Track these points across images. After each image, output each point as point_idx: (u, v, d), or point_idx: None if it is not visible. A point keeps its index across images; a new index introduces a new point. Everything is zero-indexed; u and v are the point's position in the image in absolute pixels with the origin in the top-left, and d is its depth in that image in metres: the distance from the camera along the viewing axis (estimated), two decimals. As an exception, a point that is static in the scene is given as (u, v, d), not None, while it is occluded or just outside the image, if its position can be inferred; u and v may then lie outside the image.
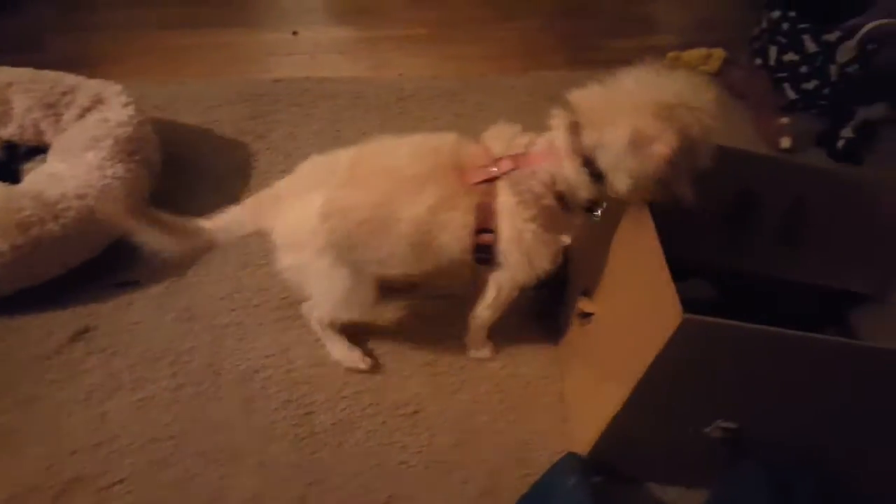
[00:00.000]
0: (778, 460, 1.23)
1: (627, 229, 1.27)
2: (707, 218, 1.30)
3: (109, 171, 1.61)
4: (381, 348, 1.57)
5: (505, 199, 1.25)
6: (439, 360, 1.58)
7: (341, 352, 1.53)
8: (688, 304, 1.00)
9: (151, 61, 2.41)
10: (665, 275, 1.06)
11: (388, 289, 1.59)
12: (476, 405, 1.51)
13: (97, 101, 1.77)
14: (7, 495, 1.30)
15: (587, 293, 1.44)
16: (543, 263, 1.31)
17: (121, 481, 1.32)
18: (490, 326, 1.52)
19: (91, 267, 1.62)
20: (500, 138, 1.29)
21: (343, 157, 1.30)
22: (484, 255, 1.30)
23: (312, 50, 2.54)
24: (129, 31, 2.52)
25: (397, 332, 1.62)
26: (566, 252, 1.60)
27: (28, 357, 1.49)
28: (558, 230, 1.30)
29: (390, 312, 1.65)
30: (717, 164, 1.15)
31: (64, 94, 1.77)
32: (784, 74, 2.66)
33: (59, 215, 1.51)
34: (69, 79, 1.81)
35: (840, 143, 2.46)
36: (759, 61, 2.76)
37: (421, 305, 1.68)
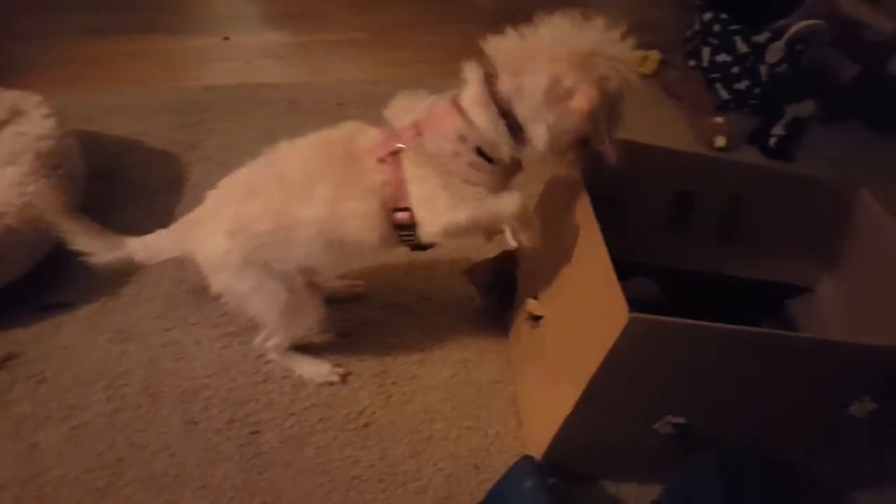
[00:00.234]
0: (727, 451, 1.24)
1: (573, 232, 1.25)
2: (648, 219, 1.32)
3: (31, 188, 1.51)
4: (329, 361, 1.51)
5: (411, 168, 1.17)
6: (389, 371, 1.53)
7: (310, 369, 1.48)
8: (633, 304, 1.00)
9: (74, 70, 2.30)
10: (611, 275, 1.06)
11: (331, 300, 1.55)
12: (429, 414, 1.48)
13: (15, 114, 1.67)
14: (-73, 539, 1.21)
15: (536, 296, 1.42)
16: (464, 212, 1.17)
17: (55, 516, 1.25)
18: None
19: (13, 290, 1.52)
20: (401, 111, 1.22)
21: (243, 171, 1.27)
22: (410, 235, 1.23)
23: (246, 56, 2.48)
24: (48, 39, 2.42)
25: (344, 344, 1.57)
26: (514, 256, 1.59)
27: (-54, 390, 1.40)
28: (489, 183, 1.18)
29: (336, 324, 1.60)
30: (655, 166, 1.15)
31: (-23, 106, 1.67)
32: (717, 75, 2.72)
33: (-25, 236, 1.41)
34: (-18, 90, 1.71)
35: (772, 141, 2.53)
36: (692, 62, 2.81)
37: (366, 314, 1.64)
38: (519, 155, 1.18)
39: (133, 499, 1.27)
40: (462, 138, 1.13)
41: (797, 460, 1.37)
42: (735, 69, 2.65)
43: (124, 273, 1.60)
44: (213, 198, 1.29)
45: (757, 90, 2.68)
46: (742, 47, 2.58)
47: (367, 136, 1.22)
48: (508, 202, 1.19)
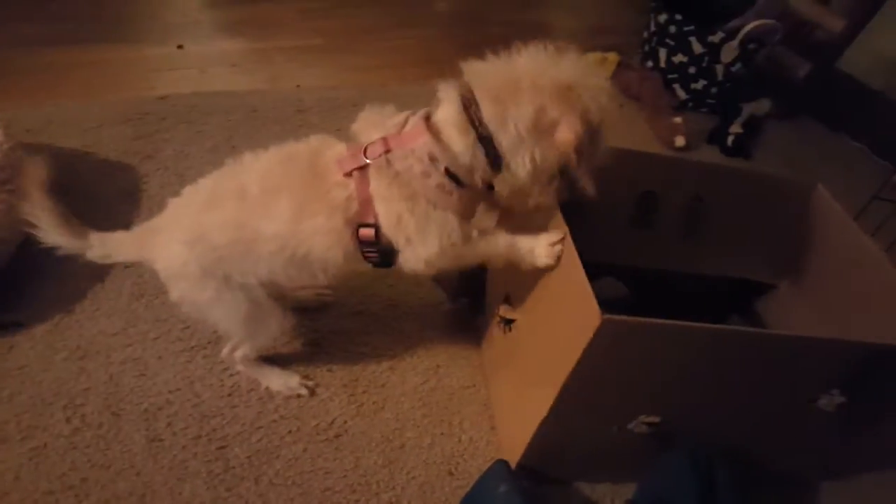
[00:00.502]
0: (697, 450, 1.24)
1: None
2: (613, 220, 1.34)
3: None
4: (297, 372, 1.49)
5: (377, 185, 1.12)
6: (359, 380, 1.51)
7: (278, 382, 1.45)
8: (601, 304, 0.99)
9: (22, 82, 2.24)
10: (582, 278, 1.05)
11: (299, 309, 1.51)
12: (401, 422, 1.46)
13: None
14: None
15: (508, 300, 1.42)
16: (435, 242, 1.16)
17: (14, 543, 1.20)
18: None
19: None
20: (369, 125, 1.17)
21: (205, 182, 1.23)
22: (372, 252, 1.20)
23: (201, 64, 2.44)
24: (-8, 51, 2.34)
25: (313, 354, 1.55)
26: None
27: None
28: (456, 207, 1.14)
29: (303, 334, 1.58)
30: (619, 167, 1.14)
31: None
32: (674, 75, 2.75)
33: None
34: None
35: (730, 139, 2.57)
36: (650, 64, 2.83)
37: (334, 324, 1.62)
38: (492, 180, 1.14)
39: (97, 521, 1.23)
40: (432, 158, 1.10)
41: (768, 455, 1.39)
42: (692, 69, 2.68)
43: (79, 289, 1.57)
44: (174, 206, 1.25)
45: (713, 90, 2.71)
46: (697, 48, 2.61)
47: (333, 151, 1.18)
48: (496, 243, 1.20)
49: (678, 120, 2.52)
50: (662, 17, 2.69)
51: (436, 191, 1.11)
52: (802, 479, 1.52)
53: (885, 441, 1.51)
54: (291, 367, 1.50)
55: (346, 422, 1.43)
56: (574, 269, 1.08)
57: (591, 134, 1.06)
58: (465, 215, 1.16)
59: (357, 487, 1.34)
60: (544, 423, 1.20)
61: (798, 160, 2.62)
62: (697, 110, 2.77)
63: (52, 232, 1.22)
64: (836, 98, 2.85)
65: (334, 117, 2.23)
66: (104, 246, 1.27)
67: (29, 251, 1.20)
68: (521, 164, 1.08)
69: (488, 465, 1.30)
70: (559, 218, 1.18)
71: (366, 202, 1.14)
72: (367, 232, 1.16)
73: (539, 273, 1.25)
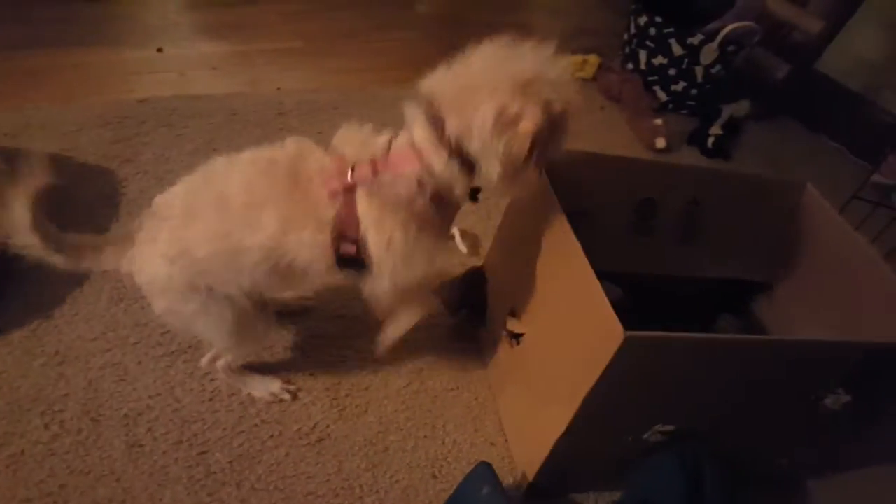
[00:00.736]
0: (685, 450, 1.25)
1: (550, 248, 1.25)
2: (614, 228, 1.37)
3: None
4: (279, 377, 1.48)
5: (367, 210, 1.12)
6: (342, 383, 1.50)
7: (260, 388, 1.44)
8: None
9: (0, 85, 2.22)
10: (599, 293, 1.05)
11: (281, 314, 1.52)
12: (384, 425, 1.45)
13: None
14: None
15: (514, 313, 1.42)
16: (420, 269, 1.18)
17: (-8, 552, 1.19)
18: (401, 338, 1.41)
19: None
20: (353, 142, 1.17)
21: (177, 190, 1.19)
22: (349, 268, 1.19)
23: (180, 67, 2.41)
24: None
25: (294, 358, 1.54)
26: (483, 273, 1.58)
27: None
28: (436, 233, 1.19)
29: (285, 338, 1.57)
30: (618, 175, 1.15)
31: None
32: (655, 77, 2.77)
33: None
34: None
35: (710, 141, 2.59)
36: (631, 66, 2.85)
37: (316, 327, 1.61)
38: (473, 184, 1.15)
39: (76, 528, 1.22)
40: (420, 183, 1.10)
41: (771, 454, 1.43)
42: (672, 71, 2.70)
43: (57, 294, 1.55)
44: (149, 218, 1.20)
45: (693, 91, 2.73)
46: (677, 50, 2.63)
47: (314, 159, 1.16)
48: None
49: (659, 121, 2.54)
50: (642, 20, 2.70)
51: (420, 216, 1.12)
52: (791, 477, 1.53)
53: (887, 438, 1.53)
54: (273, 372, 1.48)
55: (328, 426, 1.43)
56: (590, 284, 1.08)
57: (551, 124, 1.05)
58: (442, 234, 1.20)
59: (340, 492, 1.33)
60: (561, 441, 1.20)
61: (778, 161, 2.64)
62: (678, 112, 2.79)
63: (27, 237, 1.15)
64: (815, 99, 2.88)
65: (315, 120, 2.23)
66: (81, 255, 1.22)
67: (4, 256, 1.17)
68: (491, 167, 1.07)
69: (471, 467, 1.30)
70: (568, 231, 1.18)
71: (350, 221, 1.13)
72: (348, 249, 1.15)
73: (549, 286, 1.27)
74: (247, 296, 1.23)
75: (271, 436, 1.39)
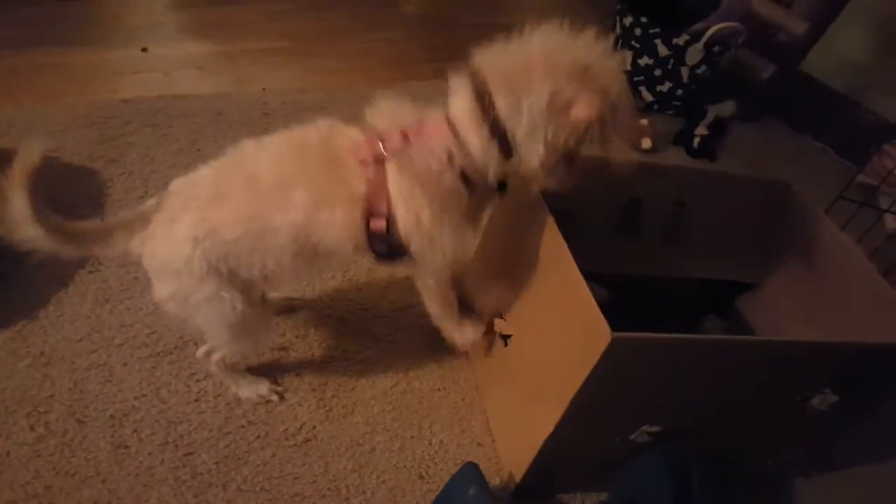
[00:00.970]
0: (672, 450, 1.25)
1: (537, 250, 1.25)
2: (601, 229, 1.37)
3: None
4: (266, 377, 1.47)
5: (397, 181, 1.10)
6: (328, 384, 1.50)
7: (249, 389, 1.43)
8: None
9: (-22, 85, 2.19)
10: (586, 294, 1.05)
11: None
12: (371, 426, 1.45)
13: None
14: None
15: (501, 314, 1.42)
16: (448, 248, 1.16)
17: (-23, 556, 1.18)
18: (452, 312, 1.40)
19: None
20: (386, 115, 1.14)
21: (204, 173, 1.17)
22: (380, 247, 1.17)
23: (165, 67, 2.40)
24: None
25: (281, 358, 1.53)
26: None
27: None
28: (464, 213, 1.16)
29: (271, 338, 1.56)
30: (604, 177, 1.15)
31: None
32: (640, 78, 2.77)
33: None
34: None
35: (695, 141, 2.60)
36: (616, 66, 2.84)
37: (304, 328, 1.60)
38: (504, 172, 1.14)
39: (62, 530, 1.21)
40: (450, 157, 1.09)
41: (759, 454, 1.44)
42: (657, 72, 2.70)
43: (42, 295, 1.54)
44: (170, 198, 1.17)
45: (679, 92, 2.74)
46: (663, 50, 2.63)
47: (346, 137, 1.15)
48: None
49: (644, 122, 2.55)
50: (628, 20, 2.71)
51: (448, 193, 1.11)
52: (778, 477, 1.54)
53: (874, 438, 1.55)
54: (260, 372, 1.48)
55: (315, 426, 1.42)
56: (577, 285, 1.08)
57: (611, 108, 1.03)
58: (470, 219, 1.17)
59: (326, 493, 1.33)
60: (548, 442, 1.20)
61: (763, 161, 2.66)
62: (663, 112, 2.80)
63: (30, 230, 1.11)
64: (800, 100, 2.90)
65: (300, 120, 2.15)
66: (84, 239, 1.18)
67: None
68: (533, 151, 1.06)
69: (458, 468, 1.30)
70: (555, 232, 1.18)
71: (381, 194, 1.11)
72: (378, 224, 1.13)
73: (536, 287, 1.27)
74: (257, 287, 1.23)
75: (258, 437, 1.38)
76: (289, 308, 1.62)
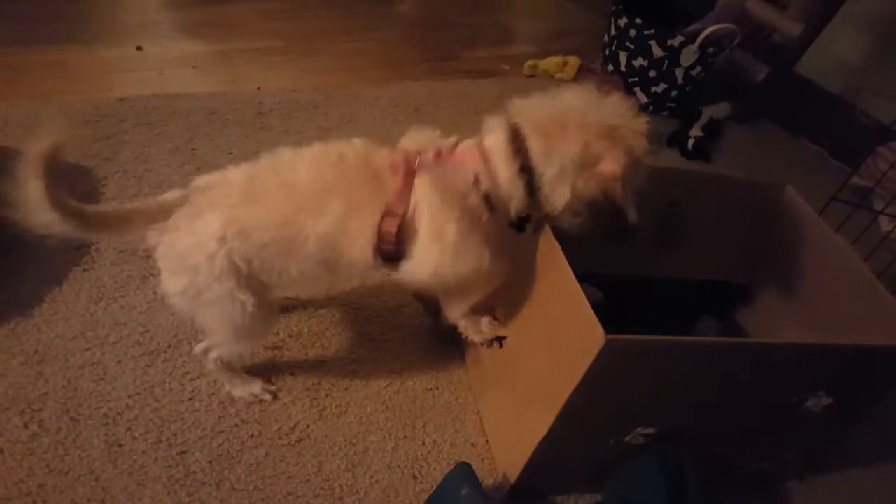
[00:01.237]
0: (667, 451, 1.25)
1: (533, 253, 1.26)
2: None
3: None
4: (259, 376, 1.47)
5: (424, 194, 1.14)
6: (322, 383, 1.50)
7: (242, 388, 1.43)
8: None
9: (-26, 83, 2.19)
10: (580, 296, 1.06)
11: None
12: (364, 425, 1.45)
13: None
14: None
15: (495, 316, 1.43)
16: (465, 265, 1.19)
17: (-30, 553, 1.17)
18: (466, 311, 1.43)
19: None
20: (420, 140, 1.21)
21: (236, 174, 1.17)
22: (389, 249, 1.17)
23: (160, 65, 2.40)
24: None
25: (275, 358, 1.53)
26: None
27: None
28: (485, 235, 1.19)
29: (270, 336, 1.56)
30: None
31: None
32: (635, 79, 2.78)
33: None
34: None
35: (690, 143, 2.60)
36: (611, 67, 2.85)
37: (298, 327, 1.60)
38: (525, 212, 1.19)
39: (55, 527, 1.21)
40: (476, 180, 1.14)
41: (753, 456, 1.44)
42: (652, 73, 2.71)
43: (36, 293, 1.53)
44: (197, 193, 1.17)
45: (674, 93, 2.75)
46: (657, 51, 2.64)
47: (382, 154, 1.19)
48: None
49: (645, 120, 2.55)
50: (622, 21, 2.71)
51: (470, 211, 1.15)
52: (773, 478, 1.54)
53: (868, 440, 1.56)
54: (254, 372, 1.48)
55: (308, 426, 1.42)
56: (571, 287, 1.09)
57: (634, 164, 1.11)
58: (491, 243, 1.20)
59: (320, 492, 1.33)
60: (543, 444, 1.20)
61: (758, 163, 2.67)
62: (658, 113, 2.81)
63: (45, 215, 1.07)
64: (795, 101, 2.91)
65: (296, 120, 2.23)
66: (103, 219, 1.15)
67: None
68: (559, 193, 1.13)
69: (452, 468, 1.30)
70: (549, 234, 1.19)
71: (402, 196, 1.15)
72: (390, 225, 1.15)
73: (530, 289, 1.28)
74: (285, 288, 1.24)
75: (251, 436, 1.38)
76: (283, 308, 1.61)
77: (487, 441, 1.47)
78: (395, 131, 1.22)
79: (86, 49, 2.43)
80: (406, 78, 2.57)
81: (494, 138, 1.16)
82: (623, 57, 2.77)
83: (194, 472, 1.30)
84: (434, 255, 1.17)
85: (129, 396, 1.39)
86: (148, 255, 1.64)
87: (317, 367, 1.53)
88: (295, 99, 2.32)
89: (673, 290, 1.65)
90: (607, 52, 2.87)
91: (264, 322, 1.28)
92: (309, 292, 1.66)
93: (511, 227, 1.23)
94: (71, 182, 1.81)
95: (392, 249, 1.18)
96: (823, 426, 1.37)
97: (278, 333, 1.58)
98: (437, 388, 1.55)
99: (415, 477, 1.38)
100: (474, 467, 1.25)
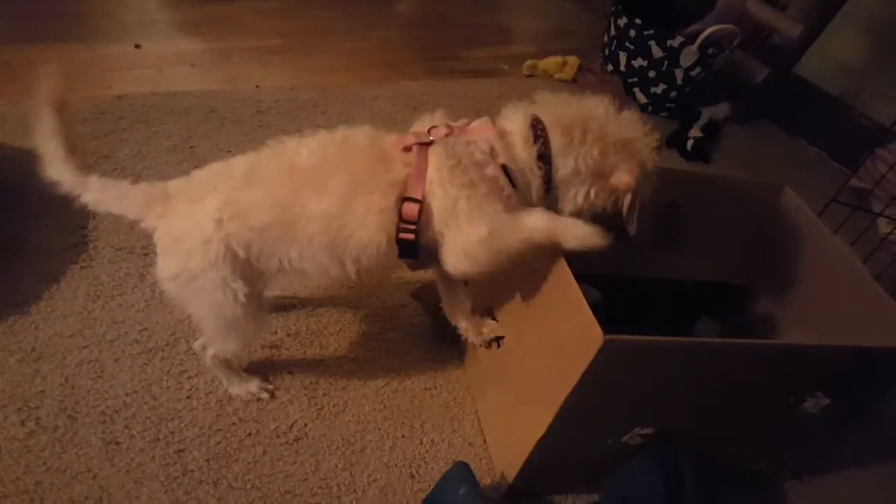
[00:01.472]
0: (664, 451, 1.25)
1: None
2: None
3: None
4: (257, 375, 1.47)
5: (438, 167, 1.11)
6: (320, 382, 1.50)
7: (240, 386, 1.42)
8: None
9: (-28, 80, 2.18)
10: (578, 296, 1.06)
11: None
12: (362, 424, 1.45)
13: None
14: None
15: (492, 315, 1.43)
16: (481, 227, 1.13)
17: (-33, 551, 1.16)
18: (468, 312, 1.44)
19: None
20: (430, 122, 1.19)
21: (240, 159, 1.16)
22: (409, 239, 1.15)
23: (158, 63, 2.40)
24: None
25: (272, 357, 1.53)
26: None
27: None
28: (508, 202, 1.14)
29: (262, 335, 1.55)
30: None
31: None
32: (634, 79, 2.78)
33: None
34: None
35: (689, 143, 2.60)
36: (610, 67, 2.85)
37: (295, 326, 1.60)
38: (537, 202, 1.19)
39: (52, 525, 1.20)
40: (493, 151, 1.13)
41: (750, 456, 1.44)
42: (651, 73, 2.71)
43: (34, 290, 1.53)
44: (198, 178, 1.17)
45: (673, 94, 2.75)
46: (657, 52, 2.64)
47: (390, 137, 1.18)
48: (537, 218, 1.13)
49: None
50: (622, 21, 2.71)
51: (490, 181, 1.12)
52: (770, 479, 1.54)
53: (866, 440, 1.56)
54: (252, 370, 1.47)
55: (306, 425, 1.42)
56: (569, 287, 1.09)
57: (645, 177, 1.16)
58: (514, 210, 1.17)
59: (317, 491, 1.32)
60: (540, 443, 1.20)
61: (757, 164, 2.67)
62: (657, 114, 2.81)
63: (57, 165, 1.13)
64: (794, 103, 2.91)
65: (294, 118, 2.23)
66: (104, 191, 1.16)
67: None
68: (571, 197, 1.16)
69: (449, 467, 1.30)
70: None
71: (418, 178, 1.12)
72: (412, 208, 1.12)
73: (528, 289, 1.27)
74: (284, 276, 1.23)
75: (249, 434, 1.38)
76: (281, 306, 1.62)
77: (485, 440, 1.47)
78: (393, 131, 1.21)
79: (84, 47, 2.42)
80: (404, 77, 2.57)
81: (514, 122, 1.17)
82: (622, 57, 2.77)
83: (192, 471, 1.30)
84: (451, 231, 1.14)
85: (127, 394, 1.39)
86: (146, 253, 1.64)
87: (315, 365, 1.53)
88: (293, 98, 2.32)
89: (672, 290, 1.65)
90: (607, 52, 2.87)
91: (253, 319, 1.25)
92: (316, 283, 1.66)
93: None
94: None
95: (412, 240, 1.15)
96: (822, 427, 1.37)
97: (276, 332, 1.57)
98: (436, 388, 1.54)
99: (412, 476, 1.38)
100: (472, 467, 1.25)
